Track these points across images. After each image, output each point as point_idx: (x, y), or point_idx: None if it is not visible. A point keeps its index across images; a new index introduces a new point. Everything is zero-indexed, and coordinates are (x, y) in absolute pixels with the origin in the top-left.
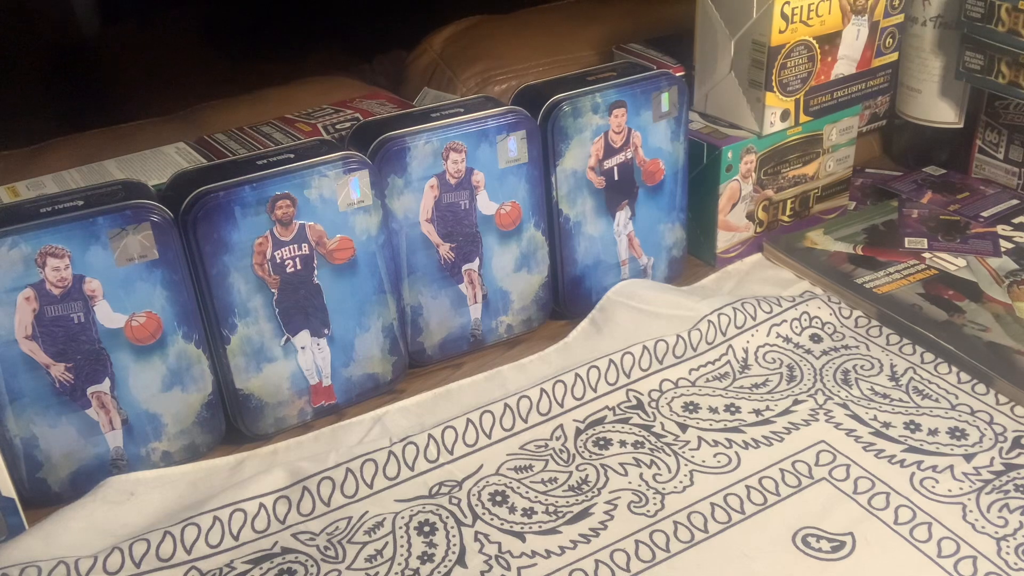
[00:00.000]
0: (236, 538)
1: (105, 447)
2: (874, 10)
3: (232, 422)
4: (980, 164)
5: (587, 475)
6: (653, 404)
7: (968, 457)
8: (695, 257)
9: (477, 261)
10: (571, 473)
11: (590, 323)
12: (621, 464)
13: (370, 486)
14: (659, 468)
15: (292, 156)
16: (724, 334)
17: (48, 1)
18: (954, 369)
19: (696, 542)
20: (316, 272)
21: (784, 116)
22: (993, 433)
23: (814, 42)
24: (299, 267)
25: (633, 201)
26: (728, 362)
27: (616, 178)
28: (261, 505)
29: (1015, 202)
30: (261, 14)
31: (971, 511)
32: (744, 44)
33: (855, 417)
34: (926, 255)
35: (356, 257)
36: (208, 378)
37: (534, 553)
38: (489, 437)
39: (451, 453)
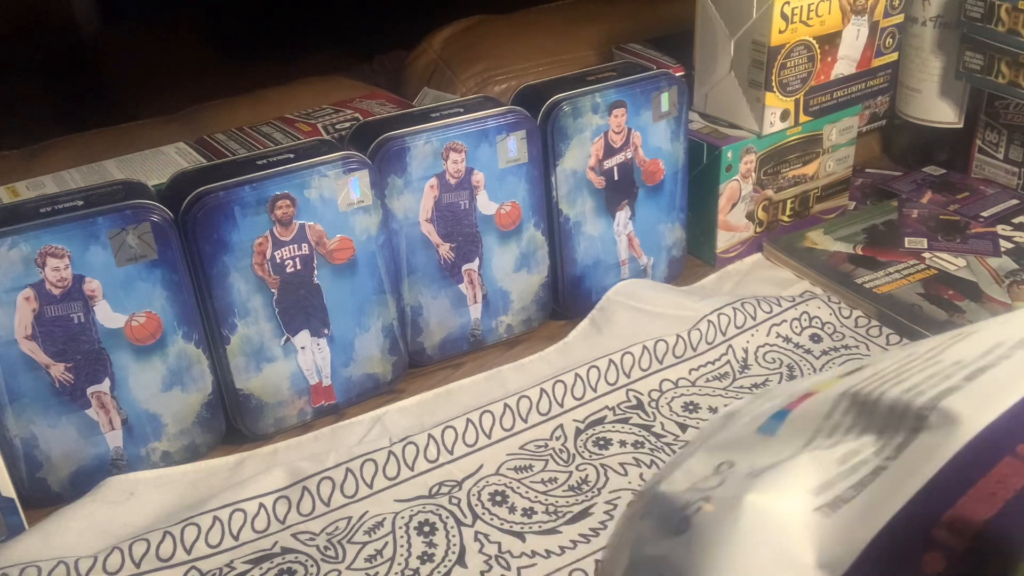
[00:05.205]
0: (236, 538)
1: (105, 447)
2: (874, 10)
3: (232, 422)
4: (980, 164)
5: (587, 475)
6: (653, 404)
7: None
8: (695, 257)
9: (477, 261)
10: (571, 473)
11: (590, 323)
12: (621, 464)
13: (370, 486)
14: (659, 468)
15: (292, 156)
16: (724, 334)
17: (48, 2)
18: None
19: None
20: (316, 272)
21: (784, 116)
22: None
23: (814, 42)
24: (299, 267)
25: (633, 201)
26: (728, 362)
27: (616, 178)
28: (261, 505)
29: (1015, 202)
30: (261, 14)
31: None
32: (744, 44)
33: None
34: (926, 255)
35: (356, 257)
36: (208, 378)
37: (534, 553)
38: (489, 437)
39: (451, 453)
